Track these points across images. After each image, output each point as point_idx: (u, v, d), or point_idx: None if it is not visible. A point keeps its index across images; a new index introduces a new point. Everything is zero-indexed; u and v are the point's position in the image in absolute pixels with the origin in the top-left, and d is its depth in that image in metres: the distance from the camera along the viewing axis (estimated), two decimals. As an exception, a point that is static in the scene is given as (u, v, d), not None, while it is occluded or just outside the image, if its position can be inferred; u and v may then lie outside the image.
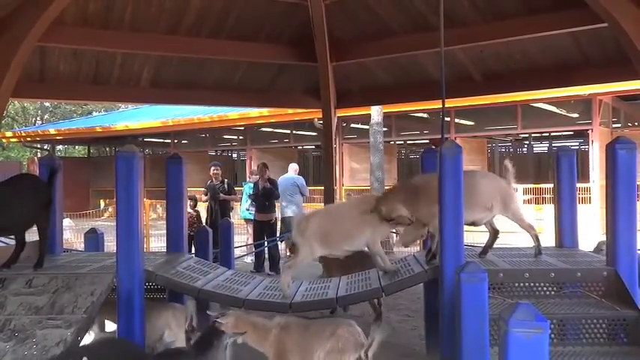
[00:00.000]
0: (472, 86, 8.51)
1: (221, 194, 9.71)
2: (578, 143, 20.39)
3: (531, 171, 19.68)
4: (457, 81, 8.11)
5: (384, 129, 13.44)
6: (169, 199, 5.52)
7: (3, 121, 28.75)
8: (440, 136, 6.24)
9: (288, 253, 7.94)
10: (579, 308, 4.12)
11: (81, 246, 8.30)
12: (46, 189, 4.74)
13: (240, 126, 19.44)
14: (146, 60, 8.62)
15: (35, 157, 24.32)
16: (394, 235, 10.18)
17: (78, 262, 5.00)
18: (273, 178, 9.74)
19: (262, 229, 9.65)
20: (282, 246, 9.72)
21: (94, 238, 6.02)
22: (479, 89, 8.79)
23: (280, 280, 4.88)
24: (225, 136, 22.44)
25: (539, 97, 12.92)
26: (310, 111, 13.13)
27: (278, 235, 9.88)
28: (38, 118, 35.81)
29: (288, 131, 19.38)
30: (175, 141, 22.00)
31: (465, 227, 4.37)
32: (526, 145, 23.31)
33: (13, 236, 4.80)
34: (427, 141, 17.71)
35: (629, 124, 16.47)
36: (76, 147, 32.17)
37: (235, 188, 10.57)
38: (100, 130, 21.91)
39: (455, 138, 14.17)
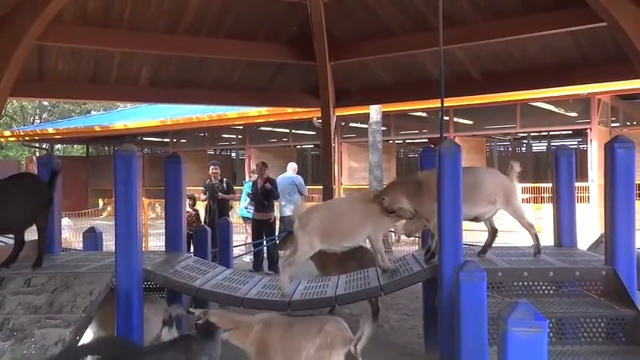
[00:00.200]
0: (471, 85, 8.51)
1: (220, 193, 9.70)
2: (576, 142, 20.37)
3: (530, 170, 19.67)
4: (456, 80, 8.12)
5: (383, 128, 13.44)
6: (168, 198, 5.52)
7: (1, 120, 28.74)
8: (439, 135, 6.24)
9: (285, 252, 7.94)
10: (578, 307, 4.13)
11: (79, 245, 8.29)
12: (45, 188, 4.74)
13: (239, 125, 19.42)
14: (145, 59, 8.61)
15: (34, 157, 24.31)
16: (392, 234, 10.23)
17: (76, 261, 5.00)
18: (272, 178, 9.74)
19: (261, 228, 9.65)
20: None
21: (92, 238, 6.03)
22: (478, 88, 8.79)
23: (279, 278, 4.88)
24: (224, 135, 22.42)
25: (538, 96, 12.93)
26: (309, 110, 13.12)
27: (277, 234, 9.88)
28: (37, 117, 35.76)
29: (287, 130, 19.37)
30: (174, 140, 21.97)
31: (464, 226, 4.37)
32: (525, 144, 23.32)
33: (11, 235, 4.81)
34: (426, 140, 17.68)
35: (628, 123, 16.47)
36: (75, 146, 32.12)
37: (234, 187, 10.57)
38: (98, 130, 21.87)
39: (454, 137, 14.18)
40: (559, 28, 6.92)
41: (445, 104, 6.31)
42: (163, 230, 5.68)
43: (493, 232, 4.89)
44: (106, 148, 26.34)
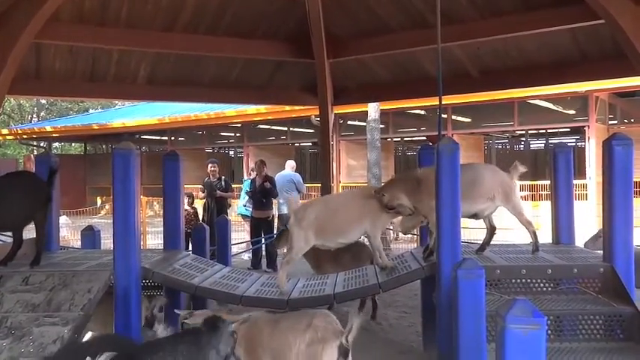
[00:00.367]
0: (469, 83, 8.51)
1: (218, 191, 9.70)
2: (574, 140, 20.40)
3: (528, 168, 19.66)
4: (454, 78, 8.11)
5: (381, 126, 13.42)
6: (166, 196, 5.52)
7: (-1, 119, 28.69)
8: (437, 133, 6.25)
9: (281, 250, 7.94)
10: (576, 304, 4.14)
11: (77, 243, 8.28)
12: (44, 186, 4.74)
13: (237, 123, 19.40)
14: (142, 57, 8.58)
15: (31, 155, 24.22)
16: (391, 232, 10.24)
17: (75, 259, 5.00)
18: (271, 176, 9.73)
19: (259, 226, 9.66)
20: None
21: (90, 236, 6.03)
22: (476, 86, 8.78)
23: (277, 276, 4.88)
24: (222, 133, 22.40)
25: (536, 93, 12.92)
26: (307, 108, 13.12)
27: (275, 232, 9.88)
28: (34, 116, 35.69)
29: (285, 128, 19.36)
30: (172, 138, 21.96)
31: (462, 224, 4.38)
32: (523, 142, 23.34)
33: (10, 233, 4.80)
34: (424, 138, 17.70)
35: (626, 121, 16.50)
36: (73, 144, 32.08)
37: (233, 185, 10.57)
38: (96, 128, 21.86)
39: (452, 135, 14.20)
40: (557, 26, 6.91)
41: (443, 102, 6.31)
42: (162, 228, 5.68)
43: (491, 230, 4.90)
44: (103, 146, 26.31)
